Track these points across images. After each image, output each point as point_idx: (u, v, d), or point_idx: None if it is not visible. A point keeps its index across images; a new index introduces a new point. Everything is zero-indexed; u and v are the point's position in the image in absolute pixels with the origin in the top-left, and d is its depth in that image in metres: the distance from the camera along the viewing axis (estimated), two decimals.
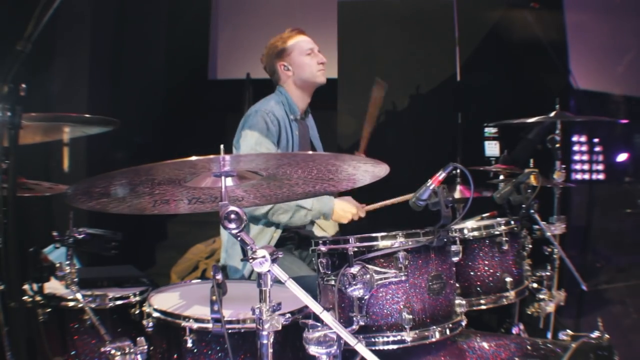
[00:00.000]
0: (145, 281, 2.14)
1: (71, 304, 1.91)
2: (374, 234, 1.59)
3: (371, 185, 1.71)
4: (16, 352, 1.41)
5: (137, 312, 1.94)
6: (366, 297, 1.55)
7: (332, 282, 1.60)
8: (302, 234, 2.57)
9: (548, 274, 2.27)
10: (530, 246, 2.13)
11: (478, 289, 1.94)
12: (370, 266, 1.56)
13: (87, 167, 3.62)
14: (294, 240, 2.55)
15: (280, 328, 1.35)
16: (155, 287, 2.03)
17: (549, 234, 2.25)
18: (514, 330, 2.19)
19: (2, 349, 1.43)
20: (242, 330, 1.60)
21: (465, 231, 1.94)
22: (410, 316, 1.54)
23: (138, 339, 1.66)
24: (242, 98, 4.65)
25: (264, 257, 1.30)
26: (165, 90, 4.79)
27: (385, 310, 1.56)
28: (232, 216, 1.32)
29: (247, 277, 2.37)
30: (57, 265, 1.84)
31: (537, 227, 2.24)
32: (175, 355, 1.64)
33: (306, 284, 1.74)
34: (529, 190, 2.13)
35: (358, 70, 3.82)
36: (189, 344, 1.58)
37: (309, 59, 2.52)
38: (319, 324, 1.37)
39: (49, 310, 1.89)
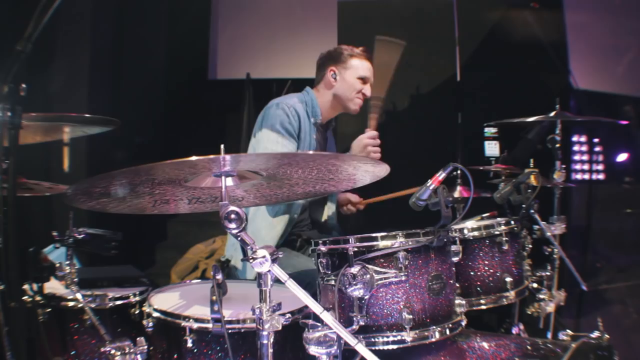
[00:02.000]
0: (145, 281, 2.14)
1: (71, 304, 1.91)
2: (374, 234, 1.59)
3: (371, 185, 1.71)
4: (16, 352, 1.41)
5: (137, 312, 1.94)
6: (366, 297, 1.55)
7: (332, 282, 1.60)
8: (305, 236, 2.57)
9: (548, 274, 2.27)
10: (530, 246, 2.13)
11: (478, 289, 1.94)
12: (370, 266, 1.56)
13: (87, 167, 3.61)
14: (297, 242, 2.55)
15: (280, 328, 1.35)
16: (155, 287, 2.03)
17: (549, 234, 2.25)
18: (514, 330, 2.19)
19: (2, 349, 1.43)
20: (242, 330, 1.60)
21: (465, 231, 1.94)
22: (410, 316, 1.54)
23: (138, 339, 1.66)
24: (242, 98, 4.64)
25: (264, 257, 1.30)
26: (165, 91, 4.78)
27: (385, 310, 1.56)
28: (232, 216, 1.32)
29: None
30: (57, 265, 1.84)
31: (537, 227, 2.24)
32: (175, 355, 1.64)
33: (308, 277, 1.74)
34: (529, 190, 2.13)
35: None
36: (189, 344, 1.58)
37: (357, 83, 2.52)
38: (319, 324, 1.37)
39: (49, 310, 1.89)
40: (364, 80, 2.53)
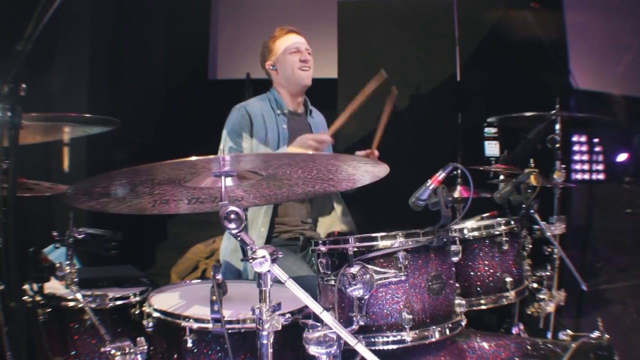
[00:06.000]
0: (145, 281, 2.14)
1: (71, 304, 1.91)
2: (373, 234, 1.59)
3: (371, 186, 1.71)
4: (16, 352, 1.41)
5: (137, 312, 1.94)
6: (366, 297, 1.55)
7: (332, 282, 1.60)
8: (307, 235, 2.56)
9: (548, 274, 2.27)
10: (530, 246, 2.13)
11: (478, 289, 1.94)
12: (370, 266, 1.56)
13: (87, 167, 3.61)
14: (299, 242, 2.55)
15: (280, 328, 1.35)
16: (155, 287, 2.03)
17: (549, 234, 2.25)
18: (514, 330, 2.19)
19: (2, 349, 1.43)
20: (242, 330, 1.60)
21: (465, 231, 1.94)
22: (410, 316, 1.54)
23: (138, 339, 1.67)
24: (242, 98, 4.63)
25: (264, 257, 1.30)
26: (165, 90, 4.79)
27: (385, 310, 1.56)
28: (232, 216, 1.32)
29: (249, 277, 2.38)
30: (57, 265, 1.84)
31: (537, 227, 2.25)
32: (175, 355, 1.64)
33: (306, 284, 1.75)
34: (529, 190, 2.13)
35: (358, 70, 3.81)
36: (189, 344, 1.58)
37: (292, 57, 2.51)
38: (319, 324, 1.37)
39: (49, 310, 1.89)
40: (297, 49, 2.51)
